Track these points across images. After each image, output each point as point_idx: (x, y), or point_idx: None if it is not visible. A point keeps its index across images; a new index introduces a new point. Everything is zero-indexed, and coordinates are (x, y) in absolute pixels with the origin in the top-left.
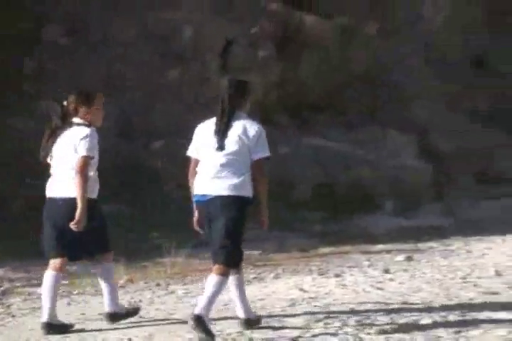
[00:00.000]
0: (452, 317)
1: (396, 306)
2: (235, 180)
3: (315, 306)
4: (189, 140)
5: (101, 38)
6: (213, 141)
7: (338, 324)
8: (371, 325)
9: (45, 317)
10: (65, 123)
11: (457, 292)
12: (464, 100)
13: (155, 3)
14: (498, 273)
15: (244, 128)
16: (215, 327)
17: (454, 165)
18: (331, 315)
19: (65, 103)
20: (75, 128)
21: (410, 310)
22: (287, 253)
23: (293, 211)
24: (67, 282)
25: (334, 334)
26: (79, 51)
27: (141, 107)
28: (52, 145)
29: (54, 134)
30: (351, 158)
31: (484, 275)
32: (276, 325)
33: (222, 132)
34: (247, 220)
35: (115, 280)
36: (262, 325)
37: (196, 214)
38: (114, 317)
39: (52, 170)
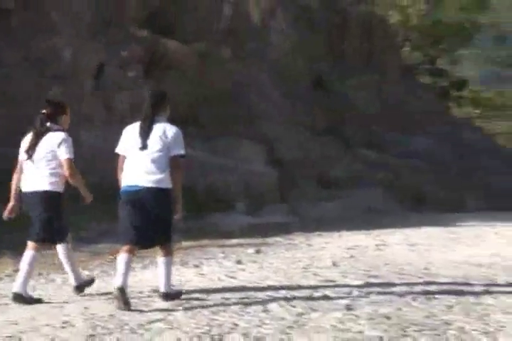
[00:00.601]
0: (295, 302)
1: (247, 292)
2: (159, 175)
3: None
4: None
5: None
6: (138, 141)
7: (196, 306)
8: (225, 308)
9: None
10: (45, 129)
11: (299, 280)
12: (306, 116)
13: (38, 30)
14: (334, 264)
15: (164, 130)
16: (88, 311)
17: (296, 172)
18: (190, 300)
19: (43, 111)
20: (52, 133)
21: (259, 296)
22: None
23: None
24: None
25: (192, 317)
26: None
27: (27, 121)
28: (35, 148)
29: (37, 138)
30: (209, 165)
31: (322, 266)
32: (144, 308)
33: (145, 134)
34: (172, 205)
35: (1, 270)
36: (132, 308)
37: (120, 202)
38: (18, 298)
39: (25, 168)
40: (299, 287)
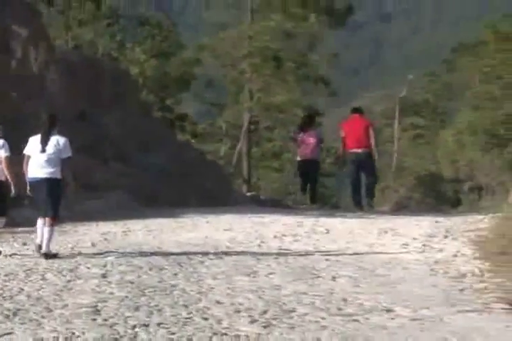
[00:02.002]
0: (65, 272)
1: (29, 266)
2: (52, 169)
3: None
4: None
5: None
6: (39, 146)
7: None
8: (14, 277)
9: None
10: None
11: (68, 257)
12: (73, 139)
13: None
14: (93, 245)
15: (57, 140)
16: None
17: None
18: None
19: None
20: None
21: (39, 268)
22: None
23: None
24: None
25: None
26: None
27: None
28: None
29: None
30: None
31: (85, 246)
32: None
33: (44, 142)
34: (62, 190)
35: None
36: None
37: (28, 187)
38: None
39: None
40: (67, 262)
